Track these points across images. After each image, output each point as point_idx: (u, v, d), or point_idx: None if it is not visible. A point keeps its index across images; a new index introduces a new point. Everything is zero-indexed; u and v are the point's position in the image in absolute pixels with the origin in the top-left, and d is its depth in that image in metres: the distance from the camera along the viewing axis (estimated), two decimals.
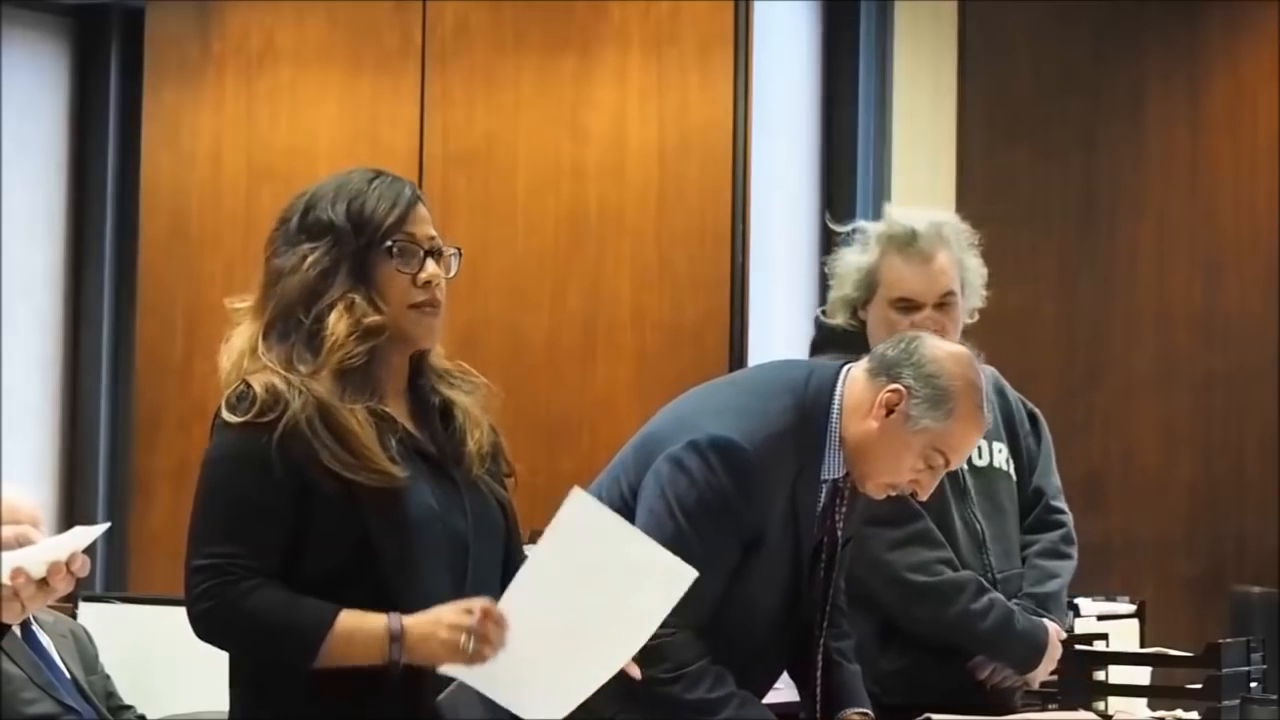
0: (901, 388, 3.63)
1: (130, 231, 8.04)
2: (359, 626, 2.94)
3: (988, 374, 4.34)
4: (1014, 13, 8.08)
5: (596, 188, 7.21)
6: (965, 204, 7.76)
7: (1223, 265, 7.83)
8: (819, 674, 3.77)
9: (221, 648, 3.05)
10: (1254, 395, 7.75)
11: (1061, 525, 4.32)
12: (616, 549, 3.01)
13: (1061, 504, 4.35)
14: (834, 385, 3.70)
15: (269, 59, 7.56)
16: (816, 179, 7.74)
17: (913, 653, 4.10)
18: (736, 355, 6.99)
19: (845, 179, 7.75)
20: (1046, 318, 7.93)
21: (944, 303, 4.10)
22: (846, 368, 3.73)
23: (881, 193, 7.79)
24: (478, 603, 2.92)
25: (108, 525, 2.72)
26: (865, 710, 3.80)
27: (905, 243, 4.09)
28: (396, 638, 2.92)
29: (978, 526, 4.17)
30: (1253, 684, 4.21)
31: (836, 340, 4.13)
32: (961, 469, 4.16)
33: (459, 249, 3.16)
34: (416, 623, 2.93)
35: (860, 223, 4.24)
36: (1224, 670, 4.14)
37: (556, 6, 7.25)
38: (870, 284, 4.11)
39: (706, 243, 7.08)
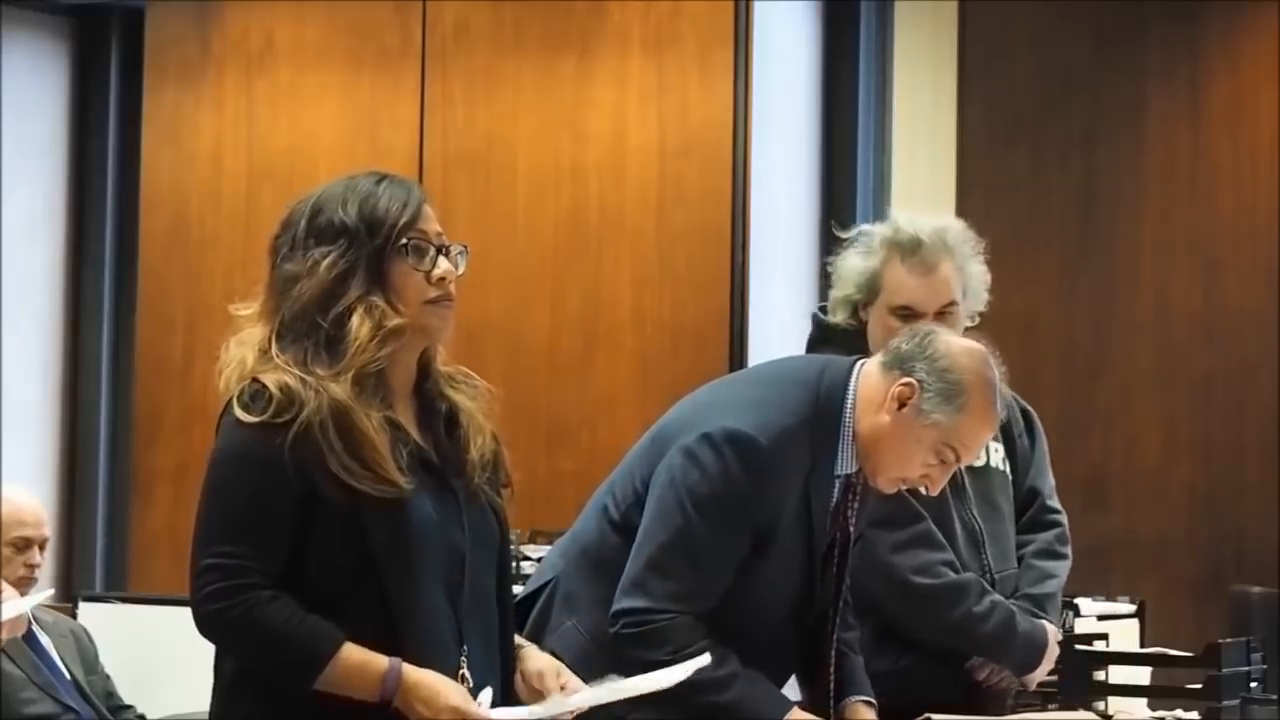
0: (914, 381, 3.62)
1: (130, 231, 8.04)
2: (362, 663, 2.96)
3: None
4: (1014, 13, 8.08)
5: (596, 188, 7.21)
6: (965, 204, 7.76)
7: (1223, 265, 7.83)
8: (832, 671, 3.76)
9: (224, 650, 3.06)
10: (1254, 395, 7.75)
11: (1057, 525, 4.33)
12: (626, 685, 3.18)
13: (1056, 503, 4.36)
14: (848, 379, 3.69)
15: (269, 59, 7.56)
16: (816, 179, 7.74)
17: (911, 654, 4.10)
18: (736, 355, 6.99)
19: (845, 179, 7.75)
20: (1046, 318, 7.93)
21: (944, 312, 4.11)
22: (861, 362, 3.74)
23: (882, 193, 7.79)
24: (478, 715, 2.96)
25: (50, 592, 2.73)
26: (869, 699, 3.80)
27: (909, 251, 4.10)
28: (392, 689, 2.95)
29: (976, 526, 4.17)
30: (1253, 684, 4.20)
31: (834, 338, 4.13)
32: (959, 469, 4.17)
33: (465, 246, 3.16)
34: (418, 685, 2.95)
35: (865, 226, 4.24)
36: (1224, 670, 4.14)
37: (556, 6, 7.26)
38: (872, 288, 4.11)
39: (706, 243, 7.08)
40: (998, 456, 4.26)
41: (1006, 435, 4.30)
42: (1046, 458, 4.39)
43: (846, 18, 7.79)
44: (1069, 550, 4.32)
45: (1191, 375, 7.84)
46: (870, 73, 7.81)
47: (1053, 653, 4.16)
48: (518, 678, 3.19)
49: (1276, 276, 7.70)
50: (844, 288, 4.16)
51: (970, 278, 4.16)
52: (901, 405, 3.62)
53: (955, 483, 4.15)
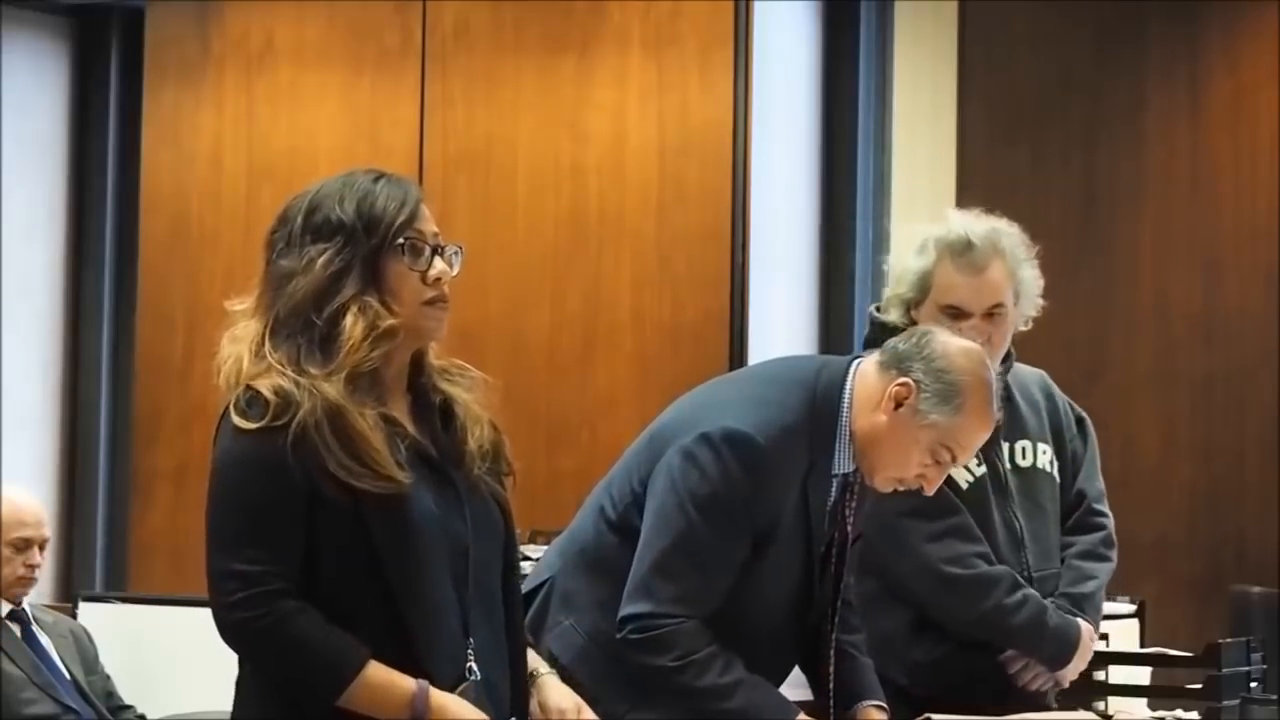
0: (911, 381, 3.63)
1: (130, 231, 8.05)
2: (387, 683, 2.95)
3: (1037, 377, 4.39)
4: (1014, 13, 8.08)
5: (596, 188, 7.21)
6: (965, 204, 7.71)
7: (1222, 264, 7.83)
8: (832, 670, 3.77)
9: (248, 659, 3.03)
10: (1253, 395, 7.74)
11: (1102, 528, 4.37)
12: None
13: (1103, 507, 4.40)
14: (845, 378, 3.70)
15: (269, 59, 7.56)
16: (816, 179, 7.73)
17: (946, 645, 4.12)
18: (736, 355, 6.99)
19: (845, 179, 7.75)
20: (1046, 317, 7.88)
21: (992, 313, 4.15)
22: (857, 361, 3.74)
23: (882, 193, 7.79)
24: None
25: None
26: (880, 703, 3.81)
27: (959, 252, 4.14)
28: (422, 711, 2.94)
29: (1017, 525, 4.20)
30: (1253, 684, 4.21)
31: (886, 337, 4.16)
32: (1004, 468, 4.20)
33: (461, 246, 3.16)
34: (445, 708, 2.96)
35: (921, 225, 4.28)
36: (1224, 670, 4.15)
37: (556, 6, 7.26)
38: (924, 287, 4.16)
39: (707, 243, 7.08)
40: (1045, 459, 4.29)
41: (1057, 438, 4.33)
42: (1097, 462, 4.43)
43: (846, 18, 7.79)
44: (1113, 554, 4.37)
45: (1191, 375, 7.83)
46: (870, 73, 7.81)
47: (1086, 651, 4.18)
48: (534, 707, 3.19)
49: (1276, 276, 7.70)
50: (897, 286, 4.21)
51: (1022, 282, 4.23)
52: (898, 405, 3.63)
53: (999, 481, 4.20)
